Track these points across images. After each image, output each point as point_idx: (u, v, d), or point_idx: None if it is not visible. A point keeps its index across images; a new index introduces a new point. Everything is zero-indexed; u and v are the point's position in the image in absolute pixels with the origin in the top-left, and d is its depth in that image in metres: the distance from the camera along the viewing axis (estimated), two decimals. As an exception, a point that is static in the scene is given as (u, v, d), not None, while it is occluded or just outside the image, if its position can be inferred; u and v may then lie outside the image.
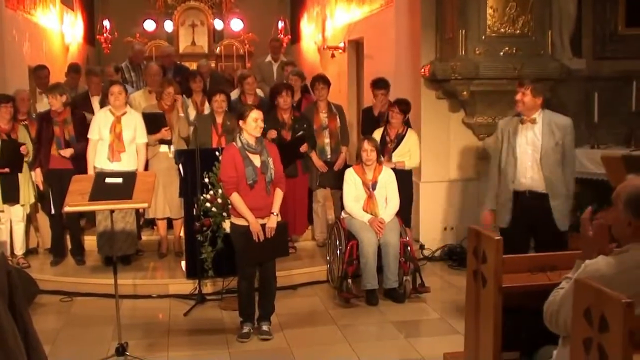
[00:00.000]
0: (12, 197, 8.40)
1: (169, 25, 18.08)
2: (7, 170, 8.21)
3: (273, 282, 6.77)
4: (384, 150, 8.30)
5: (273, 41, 12.35)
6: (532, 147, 6.68)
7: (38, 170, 8.38)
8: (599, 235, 3.60)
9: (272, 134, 8.29)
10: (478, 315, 4.43)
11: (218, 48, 17.90)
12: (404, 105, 8.35)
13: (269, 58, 11.96)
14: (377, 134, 8.41)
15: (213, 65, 15.61)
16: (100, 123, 8.20)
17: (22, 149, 8.28)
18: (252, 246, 6.48)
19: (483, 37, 8.51)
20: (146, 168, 8.42)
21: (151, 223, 9.31)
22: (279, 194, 6.58)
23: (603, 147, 8.74)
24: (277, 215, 6.55)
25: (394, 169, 8.14)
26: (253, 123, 6.41)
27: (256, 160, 6.48)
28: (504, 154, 6.86)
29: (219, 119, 8.36)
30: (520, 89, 6.71)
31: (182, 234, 8.70)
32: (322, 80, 8.97)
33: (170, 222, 8.94)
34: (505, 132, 6.89)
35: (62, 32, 13.60)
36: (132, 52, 11.59)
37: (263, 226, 6.46)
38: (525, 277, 4.44)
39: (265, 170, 6.46)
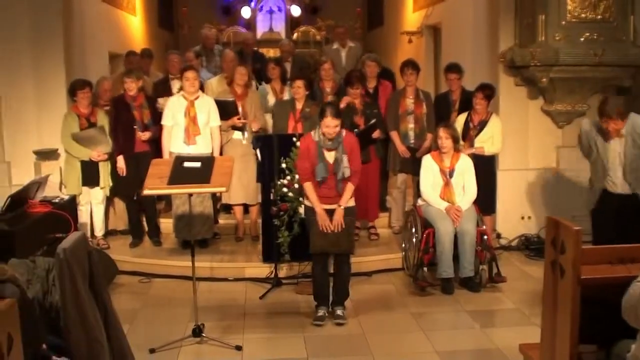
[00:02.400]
0: (92, 180, 8.58)
1: (246, 12, 18.18)
2: (104, 156, 8.48)
3: (346, 268, 6.80)
4: (467, 136, 8.24)
5: (338, 28, 12.36)
6: (618, 159, 6.71)
7: (121, 157, 8.55)
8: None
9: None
10: (555, 307, 4.37)
11: (295, 34, 17.94)
12: (488, 91, 8.26)
13: (336, 45, 12.00)
14: (462, 119, 8.37)
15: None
16: (174, 109, 8.31)
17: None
18: (318, 234, 6.56)
19: (563, 22, 8.35)
20: (220, 153, 8.51)
21: (229, 207, 9.38)
22: (349, 188, 6.59)
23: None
24: (343, 208, 6.58)
25: (475, 155, 8.08)
26: (325, 129, 6.48)
27: (330, 157, 6.53)
28: (592, 158, 6.87)
29: (299, 105, 8.38)
30: (611, 122, 6.63)
31: (258, 218, 8.79)
32: (411, 65, 8.83)
33: (246, 207, 9.02)
34: (591, 138, 6.88)
35: (141, 18, 13.78)
36: (202, 37, 11.72)
37: (331, 211, 6.54)
38: (604, 268, 4.35)
39: (337, 168, 6.50)
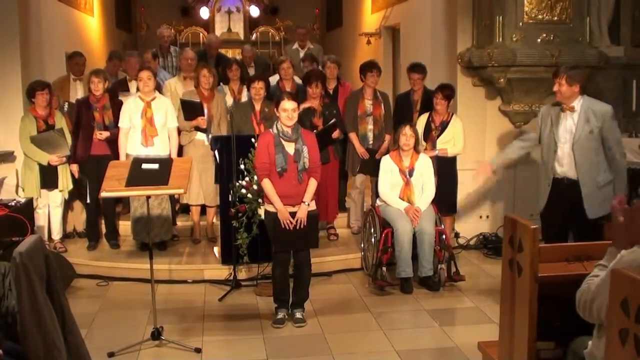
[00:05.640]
0: (50, 183, 8.47)
1: (204, 12, 18.11)
2: (63, 159, 8.36)
3: (307, 270, 6.77)
4: (429, 137, 8.27)
5: (299, 29, 12.37)
6: (569, 135, 6.68)
7: (75, 165, 8.48)
8: (629, 222, 3.56)
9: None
10: (513, 305, 4.40)
11: (254, 35, 17.90)
12: (447, 91, 8.29)
13: (295, 45, 12.02)
14: (423, 120, 8.41)
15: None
16: (131, 110, 8.25)
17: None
18: (281, 234, 6.51)
19: (520, 23, 8.43)
20: (180, 153, 8.47)
21: (188, 209, 9.34)
22: (312, 183, 6.57)
23: (642, 135, 8.64)
24: (308, 205, 6.55)
25: (438, 157, 8.12)
26: (283, 113, 6.45)
27: (290, 148, 6.49)
28: (544, 140, 6.86)
29: (258, 106, 8.37)
30: (555, 80, 6.69)
31: (215, 220, 8.75)
32: (375, 67, 8.84)
33: (203, 209, 8.98)
34: (546, 119, 6.89)
35: (99, 19, 13.66)
36: (158, 36, 11.63)
37: (293, 214, 6.48)
38: (561, 266, 4.40)
39: (297, 158, 6.47)
